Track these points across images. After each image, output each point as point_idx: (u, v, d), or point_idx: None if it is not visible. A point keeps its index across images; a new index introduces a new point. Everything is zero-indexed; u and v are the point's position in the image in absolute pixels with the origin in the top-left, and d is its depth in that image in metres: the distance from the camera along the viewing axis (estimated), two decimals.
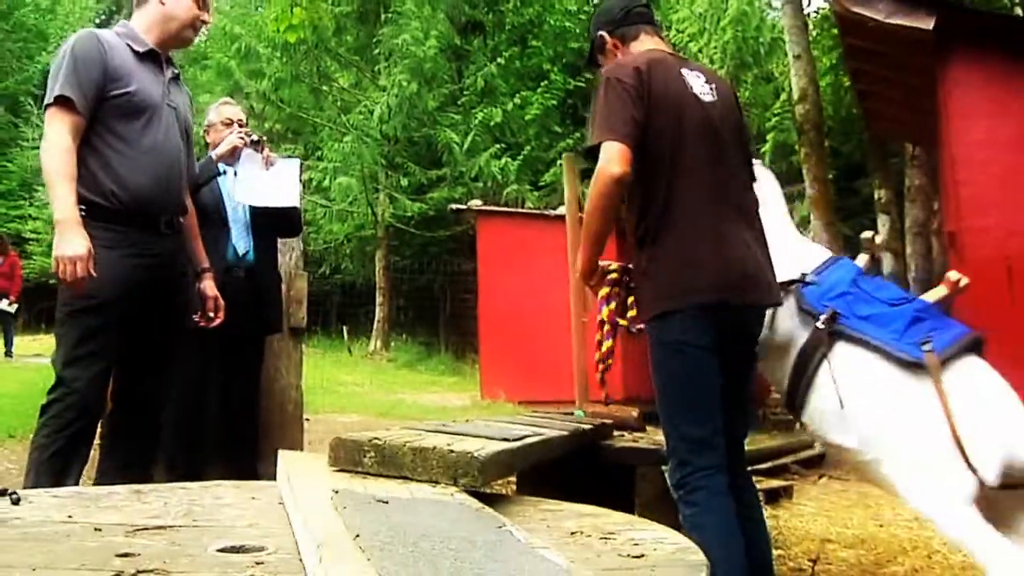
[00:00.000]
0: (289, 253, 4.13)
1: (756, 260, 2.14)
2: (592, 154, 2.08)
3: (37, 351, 12.96)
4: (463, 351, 15.77)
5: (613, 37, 2.36)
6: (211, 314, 2.89)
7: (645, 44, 2.32)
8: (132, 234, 2.50)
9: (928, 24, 4.06)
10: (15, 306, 11.38)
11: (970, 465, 2.23)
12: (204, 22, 2.73)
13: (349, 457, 1.39)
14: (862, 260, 2.91)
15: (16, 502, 1.27)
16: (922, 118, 5.25)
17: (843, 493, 5.17)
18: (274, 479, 1.59)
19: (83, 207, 2.40)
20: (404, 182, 16.12)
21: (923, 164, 6.56)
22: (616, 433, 3.21)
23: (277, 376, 4.00)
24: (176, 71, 2.75)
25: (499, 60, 16.05)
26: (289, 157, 3.64)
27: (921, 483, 2.31)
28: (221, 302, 2.91)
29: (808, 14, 10.12)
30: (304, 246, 4.22)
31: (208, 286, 2.89)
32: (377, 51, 15.98)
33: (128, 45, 2.58)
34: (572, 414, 4.21)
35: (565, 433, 2.28)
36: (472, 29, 17.08)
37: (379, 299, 16.78)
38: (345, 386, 10.33)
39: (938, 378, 2.32)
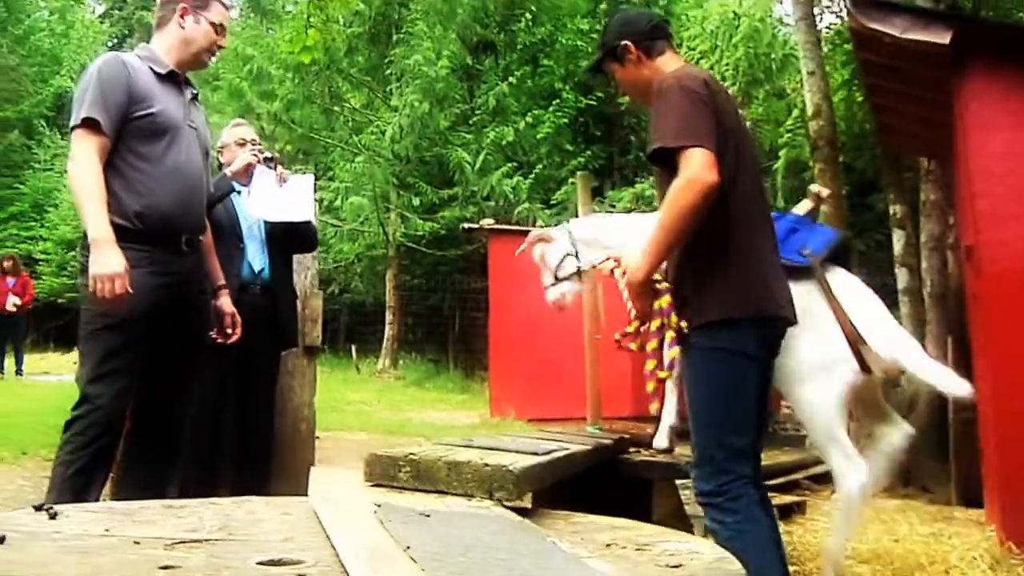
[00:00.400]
0: (304, 272, 4.15)
1: (788, 286, 2.29)
2: (659, 158, 2.08)
3: (45, 369, 13.09)
4: (472, 369, 15.74)
5: (638, 48, 2.36)
6: (228, 330, 2.91)
7: (669, 62, 2.34)
8: (154, 253, 2.53)
9: (945, 38, 4.04)
10: (19, 304, 11.38)
11: (859, 355, 2.62)
12: (220, 47, 2.79)
13: (384, 472, 1.39)
14: (804, 207, 3.22)
15: (53, 516, 1.27)
16: (937, 132, 5.24)
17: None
18: (287, 497, 1.59)
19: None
20: (415, 201, 16.16)
21: (938, 178, 6.53)
22: (632, 448, 3.20)
23: (291, 395, 4.01)
24: (195, 91, 2.81)
25: (511, 79, 16.12)
26: (302, 173, 3.68)
27: (813, 374, 2.62)
28: (238, 319, 2.95)
29: (821, 30, 10.15)
30: (316, 264, 4.24)
31: (225, 303, 2.93)
32: (389, 71, 16.06)
33: (150, 67, 2.64)
34: (586, 430, 4.21)
35: (589, 447, 2.27)
36: (484, 49, 17.18)
37: (388, 318, 16.79)
38: (353, 404, 10.33)
39: (822, 278, 2.68)
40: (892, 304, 8.10)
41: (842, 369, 2.65)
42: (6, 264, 11.42)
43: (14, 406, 7.17)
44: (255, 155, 3.37)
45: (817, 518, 4.76)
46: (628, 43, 2.35)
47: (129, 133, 2.53)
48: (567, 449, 2.01)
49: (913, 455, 5.75)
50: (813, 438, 2.79)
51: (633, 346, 2.28)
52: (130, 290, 2.36)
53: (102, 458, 2.42)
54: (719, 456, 2.07)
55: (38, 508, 1.30)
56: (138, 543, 1.16)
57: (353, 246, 16.91)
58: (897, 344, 2.70)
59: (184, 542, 1.19)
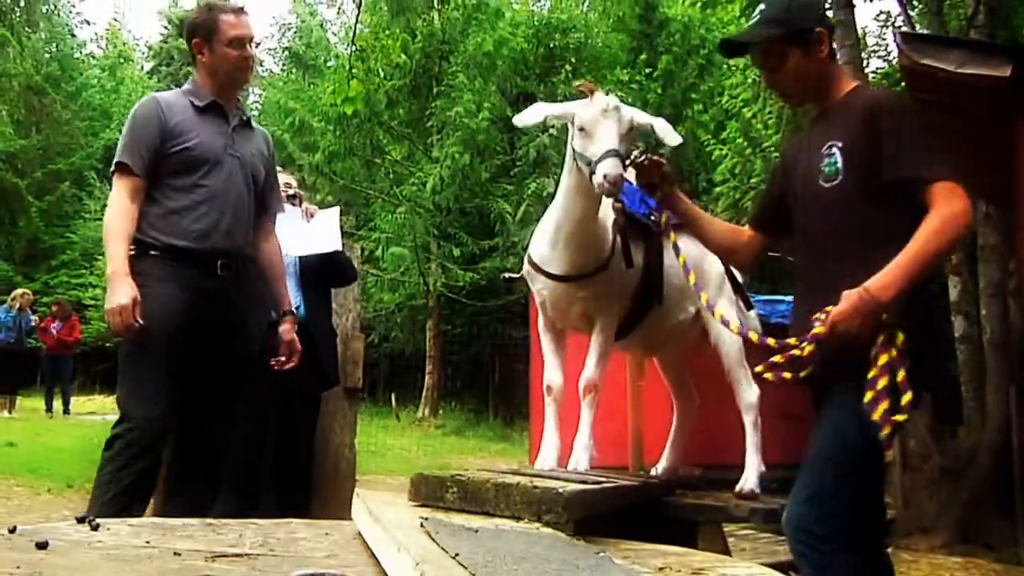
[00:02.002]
0: (346, 315, 4.17)
1: None
2: (902, 184, 1.91)
3: (91, 409, 13.38)
4: (512, 419, 15.60)
5: (831, 41, 2.12)
6: (283, 358, 2.87)
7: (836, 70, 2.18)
8: (183, 270, 2.57)
9: (1005, 72, 3.92)
10: (67, 341, 11.66)
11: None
12: (248, 59, 2.76)
13: (431, 493, 1.35)
14: None
15: (95, 528, 1.25)
16: (995, 173, 5.06)
17: (913, 564, 4.90)
18: (330, 520, 1.56)
19: (134, 247, 2.54)
20: (456, 252, 16.25)
21: (997, 222, 6.32)
22: (679, 490, 3.11)
23: (331, 435, 4.00)
24: (244, 117, 2.82)
25: (551, 131, 16.29)
26: (328, 207, 3.74)
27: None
28: (297, 347, 2.90)
29: (868, 74, 10.08)
30: (359, 307, 4.26)
31: (285, 330, 2.90)
32: (430, 123, 16.33)
33: (191, 101, 2.70)
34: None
35: (636, 483, 2.20)
36: (524, 100, 17.39)
37: (428, 367, 16.78)
38: (392, 450, 10.36)
39: (669, 235, 2.64)
40: (950, 354, 7.85)
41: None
42: (54, 308, 11.95)
43: (61, 442, 7.32)
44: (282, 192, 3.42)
45: None
46: (825, 32, 2.07)
47: (167, 167, 2.60)
48: (615, 482, 1.94)
49: (973, 509, 5.51)
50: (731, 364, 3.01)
51: (787, 375, 1.98)
52: (139, 320, 2.41)
53: (141, 480, 2.43)
54: (853, 507, 1.96)
55: (80, 520, 1.28)
56: (179, 554, 1.13)
57: (394, 296, 17.03)
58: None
59: (225, 555, 1.15)
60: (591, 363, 2.68)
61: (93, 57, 29.80)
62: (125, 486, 2.36)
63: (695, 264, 2.56)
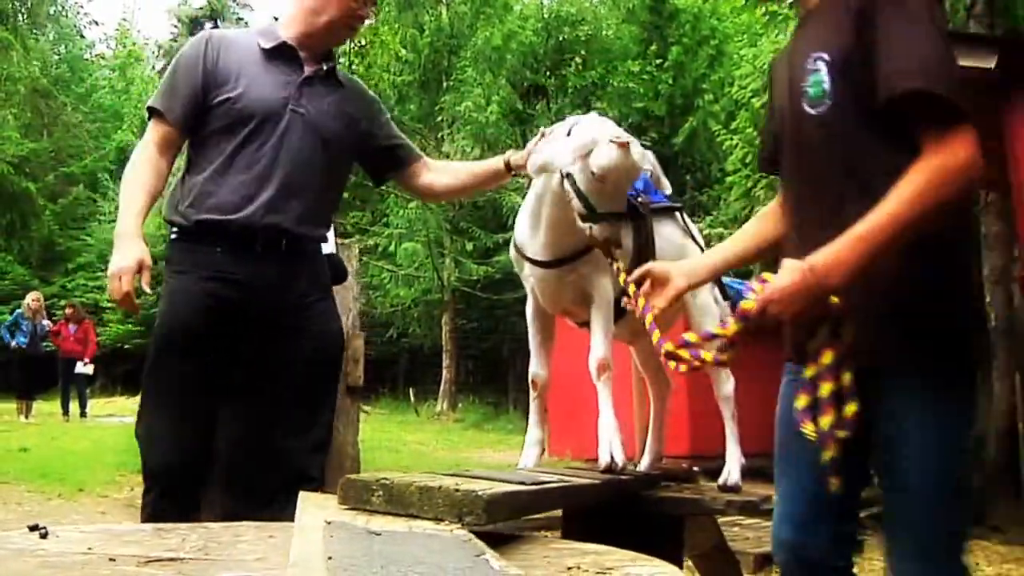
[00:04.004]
0: (346, 314, 4.25)
1: None
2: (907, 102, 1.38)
3: (110, 411, 13.61)
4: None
5: None
6: None
7: None
8: (203, 254, 2.12)
9: (990, 63, 3.93)
10: (91, 367, 11.96)
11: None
12: (361, 17, 2.26)
13: (358, 496, 1.41)
14: None
15: (44, 536, 1.33)
16: (992, 161, 5.09)
17: None
18: (279, 522, 1.62)
19: (173, 231, 2.18)
20: (469, 246, 16.38)
21: (999, 209, 6.31)
22: (664, 484, 3.16)
23: (334, 434, 4.09)
24: (327, 66, 2.25)
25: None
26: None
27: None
28: None
29: None
30: (359, 306, 4.35)
31: None
32: (440, 118, 16.43)
33: (257, 42, 2.20)
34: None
35: (596, 482, 2.26)
36: (534, 93, 17.44)
37: (446, 361, 16.93)
38: (409, 445, 10.44)
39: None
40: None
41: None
42: (68, 312, 11.98)
43: (75, 446, 7.47)
44: None
45: (877, 558, 4.59)
46: None
47: (210, 122, 2.14)
48: (568, 482, 2.00)
49: (982, 494, 5.53)
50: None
51: (707, 356, 1.61)
52: (145, 288, 2.02)
53: (172, 502, 2.06)
54: (955, 547, 1.53)
55: (32, 528, 1.36)
56: (113, 560, 1.21)
57: (409, 291, 17.18)
58: None
59: (160, 560, 1.23)
60: (597, 341, 2.45)
61: (103, 58, 30.09)
62: (155, 512, 2.06)
63: (677, 255, 2.53)
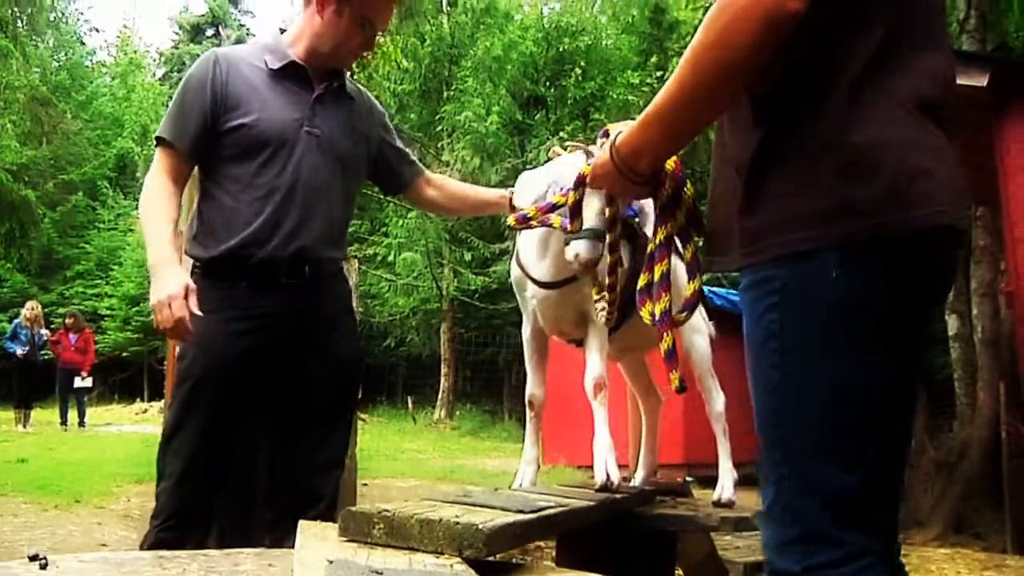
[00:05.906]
0: None
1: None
2: None
3: (108, 420, 13.57)
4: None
5: None
6: None
7: None
8: (231, 292, 2.08)
9: (982, 81, 3.98)
10: (90, 380, 11.96)
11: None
12: (368, 48, 2.24)
13: (359, 528, 1.42)
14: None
15: (44, 567, 1.34)
16: (983, 177, 5.15)
17: (904, 557, 4.91)
18: (279, 550, 1.63)
19: (196, 265, 2.13)
20: (468, 256, 16.41)
21: (988, 224, 6.40)
22: (659, 499, 3.16)
23: None
24: (337, 83, 2.20)
25: (561, 134, 16.35)
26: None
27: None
28: None
29: None
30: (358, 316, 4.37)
31: None
32: (440, 128, 16.47)
33: (265, 61, 2.15)
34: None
35: (593, 503, 2.27)
36: (534, 104, 17.50)
37: (444, 370, 16.95)
38: (407, 453, 10.46)
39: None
40: (943, 350, 7.92)
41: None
42: (68, 321, 11.88)
43: (73, 456, 7.45)
44: None
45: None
46: None
47: (223, 148, 2.09)
48: (564, 506, 2.01)
49: (965, 501, 5.57)
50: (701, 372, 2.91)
51: (681, 317, 1.43)
52: (196, 311, 1.92)
53: (184, 540, 1.99)
54: (813, 510, 1.11)
55: (32, 558, 1.37)
56: None
57: (408, 300, 17.20)
58: None
59: None
60: (593, 360, 2.50)
61: (104, 65, 29.95)
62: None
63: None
